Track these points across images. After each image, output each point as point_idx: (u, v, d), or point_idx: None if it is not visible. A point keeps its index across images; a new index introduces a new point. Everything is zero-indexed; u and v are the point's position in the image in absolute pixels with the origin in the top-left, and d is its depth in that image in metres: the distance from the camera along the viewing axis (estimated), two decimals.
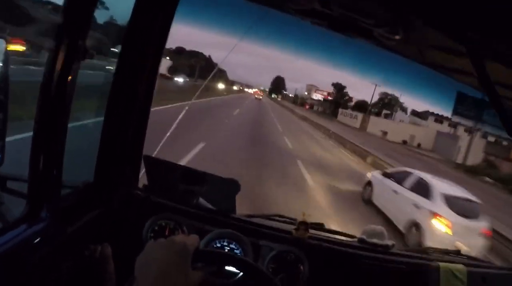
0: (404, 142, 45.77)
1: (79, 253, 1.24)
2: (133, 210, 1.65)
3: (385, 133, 47.96)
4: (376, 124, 51.78)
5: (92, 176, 1.58)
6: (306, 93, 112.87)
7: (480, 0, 0.96)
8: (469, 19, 1.07)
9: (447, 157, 35.28)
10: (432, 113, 61.24)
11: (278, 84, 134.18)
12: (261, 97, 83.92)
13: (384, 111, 70.96)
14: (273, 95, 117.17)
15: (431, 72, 1.58)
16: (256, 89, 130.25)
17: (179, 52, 79.70)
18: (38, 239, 1.07)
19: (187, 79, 55.64)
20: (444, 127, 50.62)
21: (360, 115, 58.95)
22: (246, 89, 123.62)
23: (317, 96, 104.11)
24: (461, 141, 35.97)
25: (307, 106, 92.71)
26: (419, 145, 45.16)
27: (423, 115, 62.22)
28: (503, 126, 1.16)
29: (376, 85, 69.62)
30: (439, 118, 58.07)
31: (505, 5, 0.92)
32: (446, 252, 2.14)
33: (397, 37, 1.27)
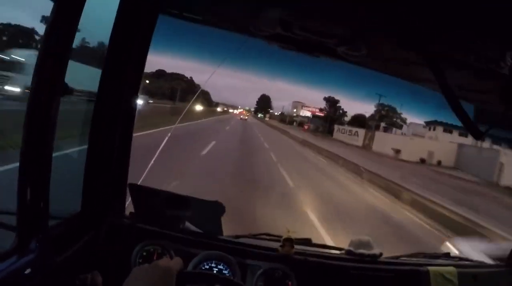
0: (423, 161, 37.29)
1: (70, 283, 1.26)
2: (121, 237, 1.68)
3: (397, 151, 38.82)
4: (382, 141, 43.00)
5: (78, 205, 1.61)
6: (294, 110, 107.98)
7: (434, 15, 1.04)
8: (425, 33, 1.15)
9: (482, 176, 27.46)
10: (441, 123, 46.07)
11: (264, 103, 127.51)
12: (246, 117, 77.23)
13: (383, 125, 59.95)
14: (259, 115, 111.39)
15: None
16: (241, 110, 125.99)
17: (159, 76, 76.56)
18: (28, 270, 1.09)
19: (150, 101, 44.38)
20: (455, 138, 41.10)
21: (361, 131, 50.15)
22: (231, 110, 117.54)
23: (305, 113, 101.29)
24: (503, 157, 27.32)
25: (306, 127, 75.77)
26: (439, 163, 36.64)
27: (431, 125, 49.89)
28: (465, 129, 1.23)
29: (380, 96, 60.56)
30: (448, 128, 44.70)
31: (457, 18, 1.00)
32: (435, 256, 2.16)
33: (360, 53, 1.34)
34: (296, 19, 1.22)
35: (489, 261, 1.94)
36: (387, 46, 1.29)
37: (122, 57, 1.56)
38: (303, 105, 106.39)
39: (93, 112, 1.57)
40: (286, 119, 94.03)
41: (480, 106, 1.66)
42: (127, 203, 1.82)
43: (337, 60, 1.48)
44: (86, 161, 1.60)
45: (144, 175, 2.05)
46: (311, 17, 1.19)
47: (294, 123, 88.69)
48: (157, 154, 2.25)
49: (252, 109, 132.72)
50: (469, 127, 1.21)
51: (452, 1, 0.92)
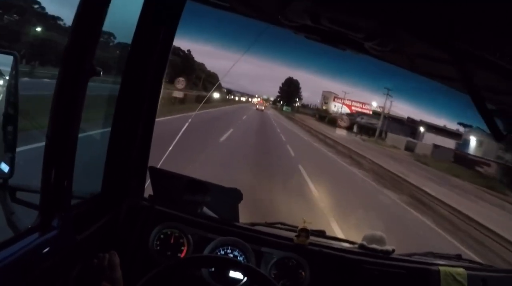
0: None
1: (88, 261, 1.29)
2: (139, 219, 1.71)
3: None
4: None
5: (99, 186, 1.65)
6: (324, 102, 79.38)
7: (462, 12, 1.02)
8: (453, 30, 1.14)
9: None
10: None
11: (290, 91, 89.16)
12: (263, 108, 62.36)
13: None
14: (285, 108, 77.55)
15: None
16: (259, 99, 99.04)
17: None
18: (49, 247, 1.12)
19: None
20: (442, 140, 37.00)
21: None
22: (246, 99, 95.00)
23: (337, 106, 71.80)
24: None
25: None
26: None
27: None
28: (489, 130, 1.22)
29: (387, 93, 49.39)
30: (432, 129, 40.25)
31: (484, 16, 0.99)
32: (446, 256, 2.16)
33: (386, 49, 1.33)
34: (325, 11, 1.21)
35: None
36: (414, 42, 1.27)
37: (148, 41, 1.58)
38: (335, 97, 76.83)
39: (118, 96, 1.60)
40: (325, 117, 60.91)
41: (505, 108, 1.63)
42: (146, 185, 1.85)
43: (362, 53, 1.47)
44: (109, 143, 1.64)
45: (163, 159, 2.07)
46: (341, 10, 1.18)
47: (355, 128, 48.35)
48: (174, 142, 2.26)
49: (272, 98, 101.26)
50: (492, 129, 1.20)
51: None
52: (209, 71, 67.18)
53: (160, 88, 1.71)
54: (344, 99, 72.14)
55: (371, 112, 59.87)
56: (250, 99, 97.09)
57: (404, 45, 1.33)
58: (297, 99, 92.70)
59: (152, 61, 1.62)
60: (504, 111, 1.62)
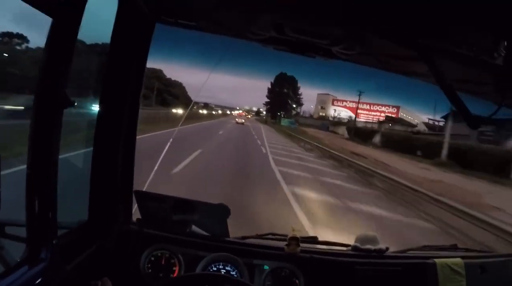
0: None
1: None
2: (129, 244, 1.71)
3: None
4: None
5: (86, 212, 1.64)
6: (320, 107, 69.37)
7: (423, 8, 1.05)
8: (416, 27, 1.17)
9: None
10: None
11: (282, 94, 69.87)
12: (243, 121, 51.71)
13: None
14: (285, 122, 58.67)
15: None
16: (239, 111, 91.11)
17: None
18: (40, 280, 1.12)
19: None
20: None
21: None
22: (231, 112, 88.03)
23: (338, 110, 65.17)
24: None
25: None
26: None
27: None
28: (463, 119, 1.25)
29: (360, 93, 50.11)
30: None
31: (444, 10, 1.02)
32: (442, 248, 2.17)
33: (354, 51, 1.36)
34: (289, 22, 1.24)
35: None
36: (381, 42, 1.30)
37: (122, 65, 1.59)
38: (334, 100, 67.92)
39: (96, 122, 1.61)
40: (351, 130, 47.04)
41: (477, 97, 1.67)
42: (133, 209, 1.85)
43: (332, 59, 1.50)
44: (92, 170, 1.64)
45: (148, 182, 2.07)
46: (304, 19, 1.21)
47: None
48: (159, 161, 2.26)
49: (255, 109, 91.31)
50: (466, 117, 1.23)
51: None
52: (168, 80, 53.54)
53: (138, 111, 1.72)
54: (345, 101, 65.22)
55: (397, 116, 54.30)
56: (231, 112, 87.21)
57: (371, 47, 1.36)
58: (294, 106, 72.12)
59: (128, 83, 1.63)
60: (476, 98, 1.65)
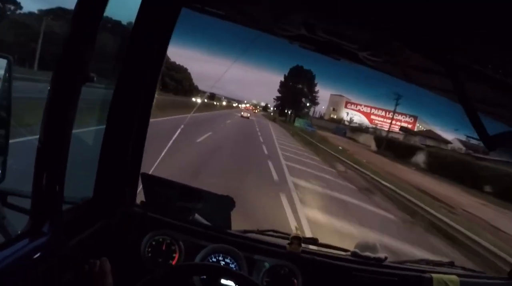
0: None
1: (79, 268, 1.28)
2: (131, 226, 1.70)
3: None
4: None
5: (91, 190, 1.64)
6: (333, 109, 62.83)
7: (455, 24, 1.03)
8: (446, 42, 1.15)
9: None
10: None
11: (296, 89, 60.64)
12: (248, 115, 48.79)
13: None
14: (299, 123, 51.26)
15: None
16: (247, 105, 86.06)
17: None
18: (40, 253, 1.12)
19: None
20: None
21: None
22: (238, 105, 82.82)
23: (350, 114, 59.03)
24: None
25: None
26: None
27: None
28: (480, 140, 1.23)
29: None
30: None
31: (477, 29, 1.00)
32: (439, 263, 2.17)
33: (380, 59, 1.34)
34: (320, 22, 1.22)
35: None
36: (408, 53, 1.29)
37: (143, 46, 1.57)
38: (347, 102, 61.46)
39: (111, 103, 1.60)
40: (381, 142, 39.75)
41: (497, 119, 1.65)
42: (138, 191, 1.84)
43: (357, 63, 1.48)
44: (101, 148, 1.63)
45: (154, 166, 2.06)
46: (336, 21, 1.20)
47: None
48: (166, 148, 2.24)
49: (263, 104, 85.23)
50: (483, 138, 1.22)
51: (475, 12, 0.92)
52: (172, 64, 47.76)
53: (154, 95, 1.71)
54: (359, 105, 58.05)
55: (414, 128, 47.86)
56: (239, 105, 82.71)
57: (398, 56, 1.35)
58: (308, 105, 62.12)
59: (147, 66, 1.62)
60: (496, 121, 1.63)
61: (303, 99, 62.77)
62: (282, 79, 62.78)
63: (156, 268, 1.66)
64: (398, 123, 52.06)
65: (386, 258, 1.94)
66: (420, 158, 30.36)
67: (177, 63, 50.95)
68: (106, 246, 1.58)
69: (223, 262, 1.70)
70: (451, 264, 2.19)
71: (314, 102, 62.19)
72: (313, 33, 1.26)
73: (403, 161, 29.04)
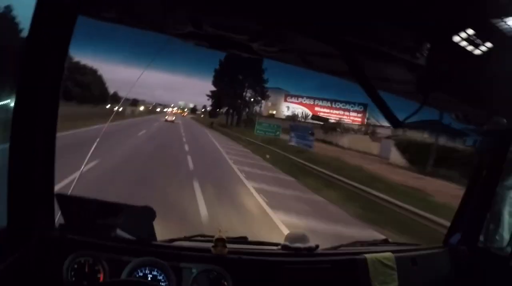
0: None
1: None
2: (51, 251, 1.59)
3: None
4: None
5: (3, 218, 1.51)
6: (270, 104, 54.30)
7: (345, 5, 1.05)
8: (338, 24, 1.17)
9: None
10: None
11: (236, 81, 48.23)
12: (173, 119, 44.78)
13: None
14: (260, 130, 29.39)
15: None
16: (174, 109, 78.47)
17: None
18: None
19: None
20: None
21: None
22: (164, 110, 76.47)
23: (291, 108, 52.43)
24: None
25: None
26: None
27: None
28: (386, 120, 1.26)
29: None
30: None
31: (366, 7, 1.02)
32: (373, 243, 2.23)
33: (275, 48, 1.34)
34: (206, 16, 1.20)
35: None
36: (302, 39, 1.29)
37: (40, 58, 1.48)
38: (287, 95, 54.25)
39: (12, 118, 1.48)
40: None
41: (400, 97, 1.71)
42: (58, 215, 1.73)
43: (254, 56, 1.47)
44: (8, 170, 1.51)
45: (73, 186, 1.94)
46: (221, 13, 1.18)
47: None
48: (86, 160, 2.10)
49: (191, 105, 79.82)
50: (388, 116, 1.25)
51: None
52: (75, 64, 37.87)
53: (57, 107, 1.61)
54: (301, 97, 50.59)
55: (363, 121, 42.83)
56: (166, 110, 74.84)
57: (292, 44, 1.35)
58: (260, 98, 49.81)
59: (46, 78, 1.52)
60: (399, 98, 1.69)
61: (248, 93, 50.80)
62: (217, 68, 49.11)
63: None
64: (347, 113, 48.28)
65: (317, 246, 1.97)
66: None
67: (82, 63, 40.40)
68: (26, 278, 1.48)
69: (151, 275, 1.64)
70: (385, 242, 2.25)
71: (264, 95, 50.56)
72: (201, 29, 1.24)
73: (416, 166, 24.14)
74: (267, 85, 49.59)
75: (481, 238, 2.27)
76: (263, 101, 51.41)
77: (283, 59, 1.56)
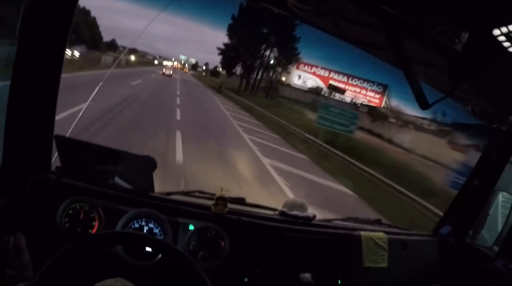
0: None
1: None
2: (46, 194, 1.55)
3: None
4: None
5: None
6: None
7: None
8: None
9: None
10: None
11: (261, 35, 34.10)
12: (171, 72, 39.94)
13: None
14: (323, 120, 14.62)
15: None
16: (174, 63, 67.25)
17: None
18: None
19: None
20: None
21: None
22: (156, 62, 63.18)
23: (303, 77, 39.47)
24: None
25: None
26: None
27: None
28: (416, 100, 1.22)
29: None
30: None
31: None
32: (366, 221, 2.25)
33: (310, 7, 1.26)
34: None
35: None
36: (341, 3, 1.22)
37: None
38: (300, 63, 41.05)
39: (16, 55, 1.40)
40: None
41: (428, 80, 1.66)
42: (54, 157, 1.68)
43: (285, 12, 1.39)
44: (8, 109, 1.45)
45: (71, 128, 1.86)
46: None
47: None
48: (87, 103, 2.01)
49: (193, 61, 70.01)
50: (418, 97, 1.21)
51: None
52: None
53: (64, 47, 1.52)
54: (315, 66, 39.25)
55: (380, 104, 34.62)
56: (164, 63, 63.33)
57: (329, 6, 1.27)
58: (286, 61, 38.23)
59: (54, 17, 1.43)
60: (429, 82, 1.64)
61: (272, 53, 38.40)
62: (230, 21, 36.75)
63: (74, 239, 1.53)
64: (364, 92, 38.57)
65: (314, 216, 1.98)
66: None
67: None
68: (20, 219, 1.45)
69: (147, 228, 1.61)
70: (378, 222, 2.27)
71: (292, 59, 37.93)
72: None
73: None
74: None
75: (470, 233, 2.31)
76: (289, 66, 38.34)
77: (315, 22, 1.47)
